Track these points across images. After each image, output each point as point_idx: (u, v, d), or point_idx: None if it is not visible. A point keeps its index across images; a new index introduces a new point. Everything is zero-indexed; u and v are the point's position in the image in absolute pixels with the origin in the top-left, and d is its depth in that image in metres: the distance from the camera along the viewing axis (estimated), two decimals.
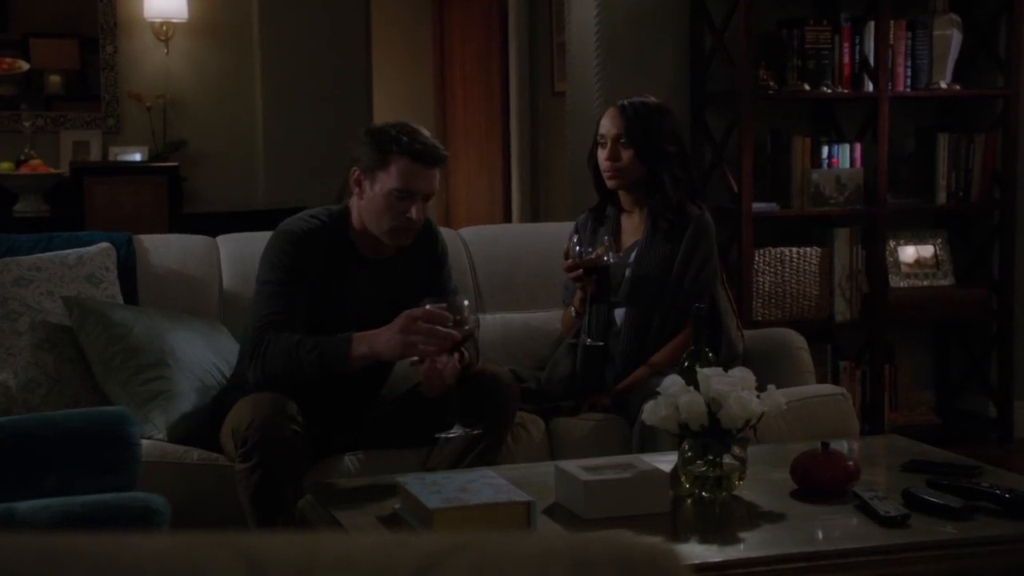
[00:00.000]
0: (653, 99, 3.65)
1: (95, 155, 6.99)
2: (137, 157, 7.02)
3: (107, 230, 4.02)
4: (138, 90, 7.09)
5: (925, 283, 5.10)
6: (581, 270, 3.49)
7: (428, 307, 2.85)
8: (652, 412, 2.63)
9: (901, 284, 5.06)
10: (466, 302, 2.90)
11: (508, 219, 7.82)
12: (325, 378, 2.95)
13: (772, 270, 4.83)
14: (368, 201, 3.08)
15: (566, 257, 3.51)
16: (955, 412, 5.28)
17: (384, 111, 8.61)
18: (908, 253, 5.11)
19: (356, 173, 3.10)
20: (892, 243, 5.06)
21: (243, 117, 7.38)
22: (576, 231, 3.67)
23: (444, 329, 2.84)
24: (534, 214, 7.64)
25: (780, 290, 4.84)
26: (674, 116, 3.67)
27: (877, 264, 4.94)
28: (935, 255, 5.14)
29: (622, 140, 3.56)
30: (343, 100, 7.38)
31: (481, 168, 8.32)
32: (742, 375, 2.63)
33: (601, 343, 3.55)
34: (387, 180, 3.03)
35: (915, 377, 5.19)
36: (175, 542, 0.76)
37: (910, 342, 5.23)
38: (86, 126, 7.09)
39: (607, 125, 3.60)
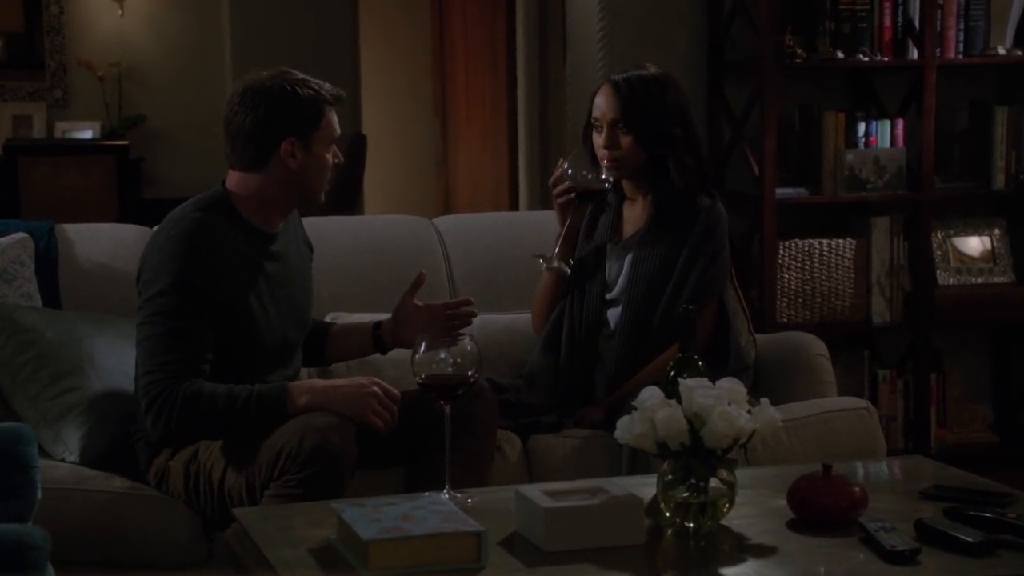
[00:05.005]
0: (652, 69, 3.61)
1: (39, 131, 7.01)
2: (88, 134, 7.04)
3: (45, 217, 4.02)
4: (89, 57, 7.12)
5: (979, 280, 5.08)
6: (573, 194, 3.50)
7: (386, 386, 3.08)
8: (626, 429, 2.63)
9: (950, 281, 5.03)
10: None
11: (515, 203, 7.83)
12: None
13: (799, 265, 4.81)
14: (307, 166, 3.20)
15: (554, 186, 3.52)
16: (1016, 428, 5.25)
17: (373, 81, 8.62)
18: (959, 245, 5.09)
19: (290, 143, 3.16)
20: (940, 234, 5.03)
21: (210, 88, 7.38)
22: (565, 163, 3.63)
23: (393, 408, 3.08)
24: (544, 197, 7.63)
25: (808, 288, 4.83)
26: (678, 88, 3.63)
27: (922, 258, 4.92)
28: (991, 247, 5.12)
29: (620, 124, 3.54)
30: (325, 68, 7.30)
31: (485, 146, 8.33)
32: (731, 386, 2.62)
33: (568, 272, 3.58)
34: (323, 135, 3.21)
35: (968, 388, 5.17)
36: None
37: (962, 348, 5.20)
38: (29, 98, 7.11)
39: (601, 106, 3.58)
